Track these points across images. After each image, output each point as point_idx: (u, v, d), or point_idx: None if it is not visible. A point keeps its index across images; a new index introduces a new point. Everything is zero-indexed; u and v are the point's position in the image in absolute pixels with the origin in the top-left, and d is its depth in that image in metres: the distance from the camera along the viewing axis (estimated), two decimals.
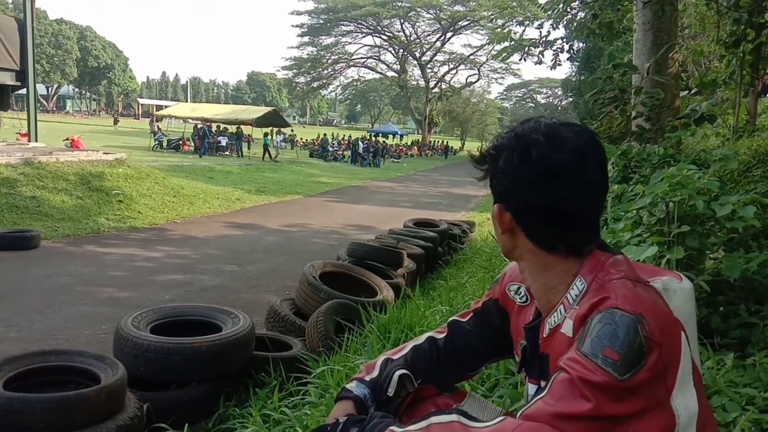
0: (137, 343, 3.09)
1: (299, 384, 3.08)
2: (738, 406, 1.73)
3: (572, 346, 1.00)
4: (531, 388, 1.20)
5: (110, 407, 2.58)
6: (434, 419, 1.06)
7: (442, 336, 1.41)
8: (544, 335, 1.13)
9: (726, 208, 2.28)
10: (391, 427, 1.09)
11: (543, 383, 1.13)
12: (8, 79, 13.24)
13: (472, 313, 1.42)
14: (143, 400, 2.83)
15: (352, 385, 1.33)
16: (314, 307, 4.20)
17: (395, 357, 1.37)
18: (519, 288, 1.31)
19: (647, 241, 2.39)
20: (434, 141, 56.60)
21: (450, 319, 1.46)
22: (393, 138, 54.35)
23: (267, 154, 27.64)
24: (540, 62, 7.03)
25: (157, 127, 30.48)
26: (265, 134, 31.09)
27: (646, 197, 2.42)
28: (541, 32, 6.69)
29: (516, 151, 1.08)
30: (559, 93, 66.47)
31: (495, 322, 1.36)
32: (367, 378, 1.33)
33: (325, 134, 39.22)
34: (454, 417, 1.05)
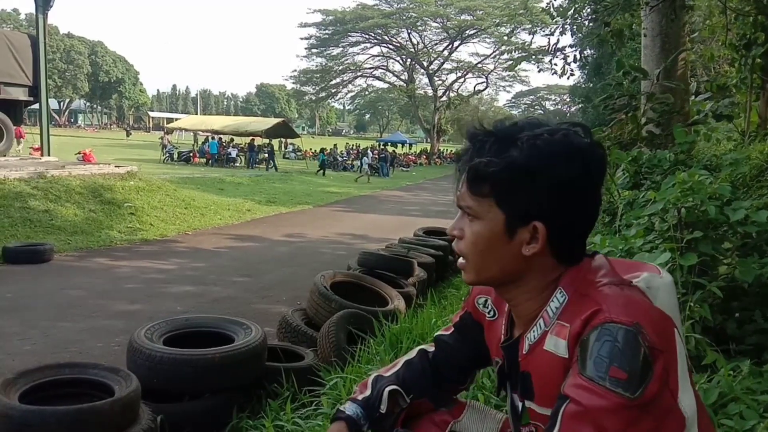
0: (150, 355, 3.11)
1: (312, 395, 3.08)
2: (756, 414, 1.71)
3: (570, 368, 0.95)
4: (518, 401, 1.15)
5: (124, 419, 2.59)
6: None
7: (433, 349, 1.39)
8: (524, 352, 1.08)
9: (739, 213, 2.26)
10: None
11: (528, 403, 1.09)
12: (21, 94, 13.44)
13: (453, 328, 1.39)
14: (157, 411, 2.83)
15: (345, 406, 1.32)
16: (326, 317, 4.21)
17: (386, 374, 1.35)
18: (486, 301, 1.26)
19: (660, 247, 2.37)
20: (444, 149, 56.63)
21: (435, 335, 1.43)
22: (402, 147, 54.44)
23: (322, 171, 27.46)
24: (554, 72, 7.03)
25: (168, 140, 30.82)
26: (322, 150, 31.14)
27: (658, 203, 2.41)
28: (550, 40, 6.67)
29: (573, 159, 1.00)
30: (568, 100, 66.33)
31: (473, 334, 1.32)
32: (360, 397, 1.32)
33: (335, 145, 39.50)
34: None
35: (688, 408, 0.94)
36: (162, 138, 32.14)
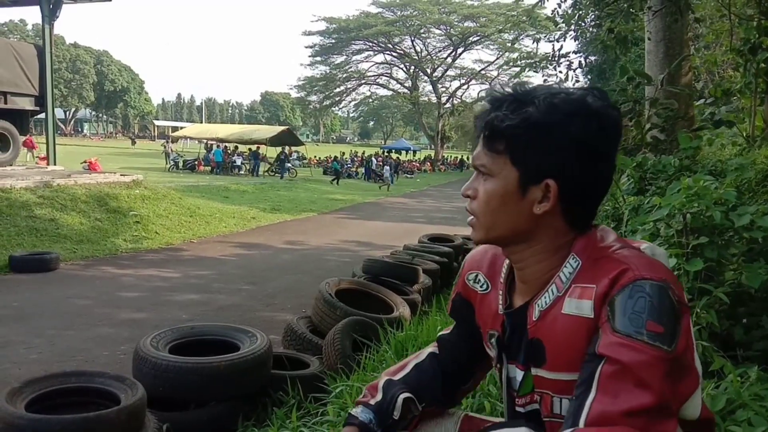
0: (156, 364, 3.11)
1: (318, 403, 3.07)
2: (764, 421, 1.70)
3: (596, 328, 0.95)
4: (516, 372, 1.14)
5: (130, 428, 2.59)
6: None
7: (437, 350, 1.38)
8: (534, 318, 1.07)
9: (744, 218, 2.26)
10: None
11: (535, 370, 1.07)
12: (28, 104, 13.54)
13: (454, 323, 1.37)
14: (163, 420, 2.84)
15: (357, 411, 1.30)
16: (331, 324, 4.20)
17: (396, 377, 1.33)
18: (477, 276, 1.24)
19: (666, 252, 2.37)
20: (448, 156, 56.67)
21: (438, 335, 1.41)
22: (406, 154, 54.50)
23: (336, 180, 27.34)
24: (559, 80, 7.02)
25: (171, 149, 31.17)
26: (335, 158, 31.13)
27: (663, 209, 2.40)
28: (554, 46, 6.67)
29: (589, 119, 1.01)
30: None
31: (465, 315, 1.29)
32: (372, 402, 1.29)
33: (343, 153, 39.71)
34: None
35: (699, 368, 0.97)
36: (164, 146, 32.56)
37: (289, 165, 28.56)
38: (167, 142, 33.58)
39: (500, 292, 1.18)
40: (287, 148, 29.74)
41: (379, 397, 1.30)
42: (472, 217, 1.10)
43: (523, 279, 1.12)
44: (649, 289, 0.92)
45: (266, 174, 28.29)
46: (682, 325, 0.91)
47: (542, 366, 1.06)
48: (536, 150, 1.01)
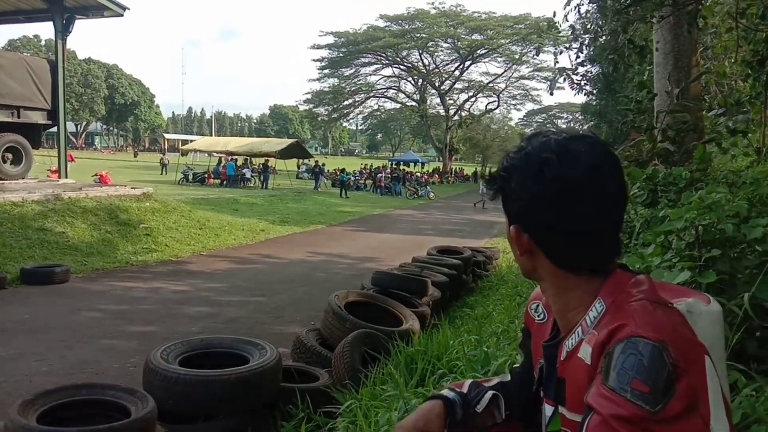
0: (166, 376, 3.12)
1: (327, 416, 3.06)
2: None
3: (594, 377, 0.96)
4: (548, 409, 1.16)
5: None
6: None
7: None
8: (562, 358, 1.09)
9: (757, 230, 2.24)
10: None
11: (560, 408, 1.09)
12: (40, 118, 13.67)
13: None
14: None
15: (444, 391, 1.32)
16: (340, 337, 4.19)
17: (483, 383, 1.35)
18: (538, 306, 1.27)
19: (677, 265, 2.35)
20: (456, 167, 56.70)
21: (510, 368, 1.45)
22: (414, 166, 54.58)
23: (344, 192, 27.58)
24: (582, 90, 7.06)
25: (167, 159, 32.94)
26: (343, 170, 31.59)
27: (675, 221, 2.39)
28: (569, 57, 6.72)
29: (528, 171, 1.05)
30: (580, 117, 66.17)
31: (529, 347, 1.31)
32: (458, 390, 1.32)
33: (365, 165, 39.94)
34: None
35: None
36: (162, 158, 36.82)
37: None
38: (164, 153, 36.15)
39: (551, 323, 1.20)
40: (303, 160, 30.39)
41: (464, 389, 1.32)
42: None
43: (557, 316, 1.15)
44: (642, 348, 0.91)
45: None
46: (676, 389, 0.89)
47: (565, 405, 1.08)
48: (505, 195, 1.11)
